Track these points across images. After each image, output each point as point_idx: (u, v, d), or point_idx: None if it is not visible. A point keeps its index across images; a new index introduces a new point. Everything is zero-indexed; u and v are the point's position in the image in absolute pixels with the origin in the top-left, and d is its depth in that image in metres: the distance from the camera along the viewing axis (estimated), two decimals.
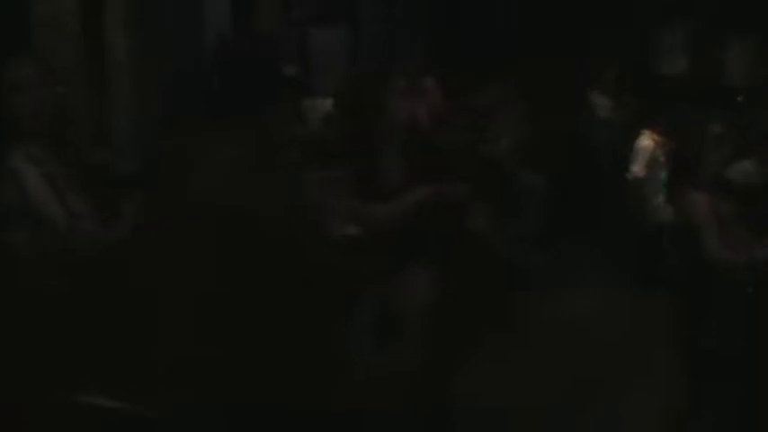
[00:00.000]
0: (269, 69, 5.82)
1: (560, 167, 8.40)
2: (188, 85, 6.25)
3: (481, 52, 9.28)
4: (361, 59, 8.28)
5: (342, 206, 3.72)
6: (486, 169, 7.11)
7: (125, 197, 3.86)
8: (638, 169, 7.93)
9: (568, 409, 5.41)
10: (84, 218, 3.73)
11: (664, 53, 10.49)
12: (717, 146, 7.20)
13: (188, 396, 2.94)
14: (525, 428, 5.24)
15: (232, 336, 2.89)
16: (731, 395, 4.90)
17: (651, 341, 5.99)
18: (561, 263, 7.98)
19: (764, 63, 9.88)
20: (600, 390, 5.65)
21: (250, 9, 6.95)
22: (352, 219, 3.76)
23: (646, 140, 8.06)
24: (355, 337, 3.64)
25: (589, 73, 9.54)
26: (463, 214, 4.53)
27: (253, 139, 3.04)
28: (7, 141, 3.73)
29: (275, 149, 3.43)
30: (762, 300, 4.80)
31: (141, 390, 3.05)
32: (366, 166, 3.95)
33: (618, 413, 5.40)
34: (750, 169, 5.68)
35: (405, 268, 3.93)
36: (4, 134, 3.72)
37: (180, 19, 6.29)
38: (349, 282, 3.46)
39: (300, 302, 2.86)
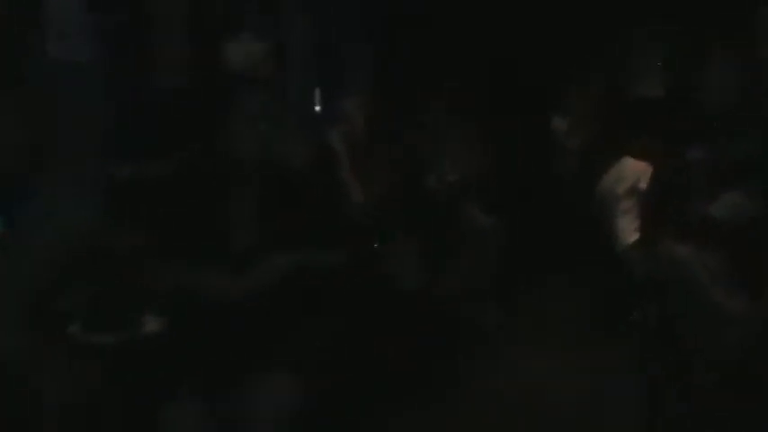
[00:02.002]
0: None
1: (518, 204, 7.25)
2: None
3: (428, 71, 8.09)
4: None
5: (160, 281, 2.51)
6: (426, 210, 5.94)
7: None
8: (619, 198, 6.80)
9: None
10: None
11: (636, 75, 9.47)
12: (697, 175, 6.36)
13: None
14: None
15: None
16: None
17: (621, 405, 5.24)
18: (517, 320, 6.83)
19: (742, 86, 8.93)
20: None
21: None
22: (174, 297, 2.54)
23: (627, 167, 6.94)
24: None
25: (552, 96, 8.46)
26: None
27: None
28: None
29: None
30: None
31: None
32: (204, 222, 2.74)
33: None
34: (738, 202, 4.73)
35: (255, 371, 2.71)
36: None
37: None
38: None
39: None
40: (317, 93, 7.06)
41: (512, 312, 6.90)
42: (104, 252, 2.66)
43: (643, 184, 6.91)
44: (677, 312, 4.38)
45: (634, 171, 7.03)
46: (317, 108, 7.04)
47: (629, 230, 6.98)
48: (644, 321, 5.58)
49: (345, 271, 3.06)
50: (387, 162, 5.46)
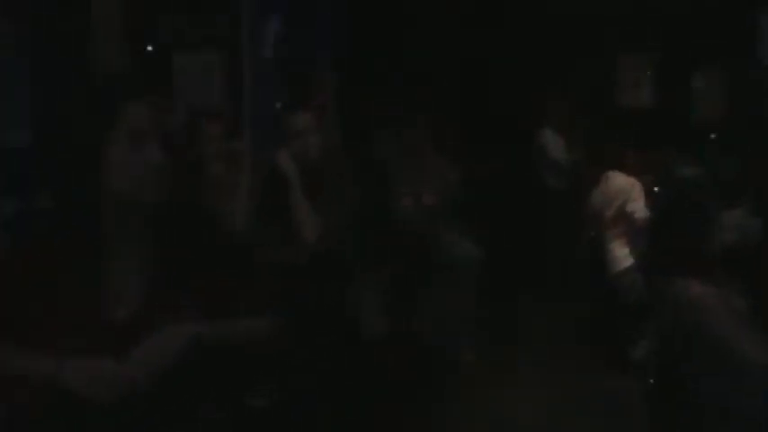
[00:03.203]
0: None
1: (501, 227, 6.61)
2: None
3: (399, 81, 7.47)
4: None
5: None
6: (398, 235, 5.31)
7: None
8: (607, 221, 6.27)
9: None
10: None
11: (626, 86, 8.93)
12: (695, 194, 5.78)
13: None
14: None
15: None
16: None
17: None
18: (503, 354, 6.19)
19: (736, 98, 8.70)
20: None
21: None
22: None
23: (614, 183, 6.38)
24: None
25: (538, 108, 7.89)
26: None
27: None
28: None
29: None
30: None
31: None
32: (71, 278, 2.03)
33: None
34: (743, 220, 4.16)
35: None
36: None
37: None
38: None
39: None
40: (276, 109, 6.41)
41: (493, 348, 6.27)
42: None
43: (632, 204, 6.33)
44: (688, 360, 3.70)
45: (621, 188, 6.44)
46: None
47: (620, 256, 6.37)
48: (643, 361, 5.05)
49: (279, 341, 2.35)
50: (350, 185, 4.80)
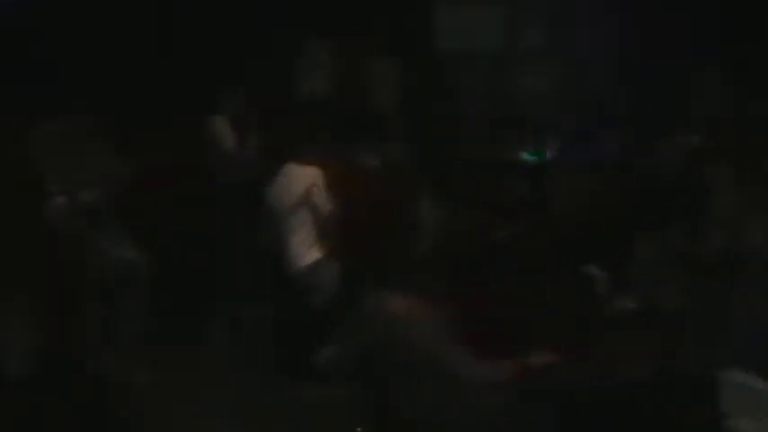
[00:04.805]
0: None
1: (170, 228, 6.12)
2: None
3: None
4: None
5: None
6: (50, 243, 4.60)
7: None
8: (289, 212, 6.00)
9: None
10: None
11: (300, 75, 8.67)
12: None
13: None
14: None
15: None
16: None
17: None
18: (181, 370, 5.67)
19: (411, 87, 8.63)
20: None
21: None
22: None
23: (295, 174, 6.13)
24: None
25: (210, 97, 7.43)
26: None
27: None
28: None
29: None
30: None
31: None
32: None
33: None
34: (425, 213, 3.98)
35: None
36: None
37: None
38: None
39: None
40: None
41: (170, 365, 5.74)
42: None
43: (315, 195, 6.01)
44: (390, 373, 3.34)
45: (302, 179, 6.14)
46: None
47: (303, 250, 6.00)
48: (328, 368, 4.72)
49: None
50: None
